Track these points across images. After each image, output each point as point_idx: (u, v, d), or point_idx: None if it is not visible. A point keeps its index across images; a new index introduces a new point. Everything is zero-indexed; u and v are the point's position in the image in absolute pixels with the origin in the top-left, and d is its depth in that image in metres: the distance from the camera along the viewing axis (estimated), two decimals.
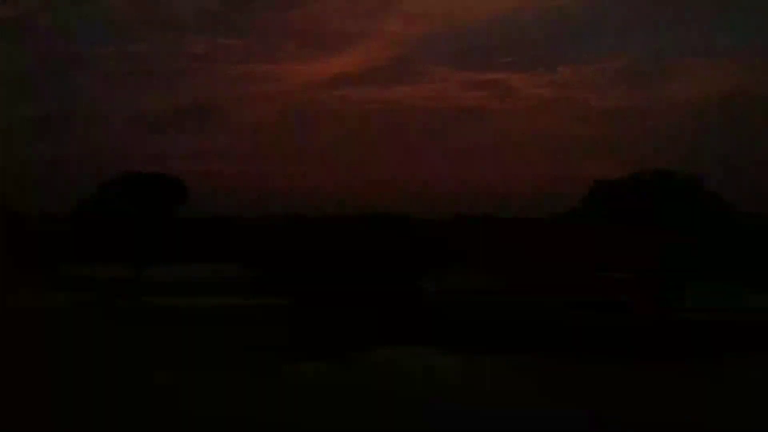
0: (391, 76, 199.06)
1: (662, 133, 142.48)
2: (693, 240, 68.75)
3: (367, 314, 55.87)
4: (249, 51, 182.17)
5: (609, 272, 73.60)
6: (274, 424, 15.52)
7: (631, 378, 27.70)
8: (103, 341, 42.89)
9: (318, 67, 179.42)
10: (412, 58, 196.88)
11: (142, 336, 45.94)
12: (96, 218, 75.94)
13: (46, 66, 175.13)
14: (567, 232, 71.26)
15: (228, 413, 16.24)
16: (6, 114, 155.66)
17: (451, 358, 37.48)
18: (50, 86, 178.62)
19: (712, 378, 27.05)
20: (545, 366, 32.02)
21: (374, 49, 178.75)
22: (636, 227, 67.56)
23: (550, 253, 68.13)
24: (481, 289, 67.12)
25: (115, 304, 64.39)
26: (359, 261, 69.79)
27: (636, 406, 19.83)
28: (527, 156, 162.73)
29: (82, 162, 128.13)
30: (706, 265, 73.82)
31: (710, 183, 72.70)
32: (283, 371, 28.52)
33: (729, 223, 70.68)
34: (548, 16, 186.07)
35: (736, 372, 29.12)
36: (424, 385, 22.98)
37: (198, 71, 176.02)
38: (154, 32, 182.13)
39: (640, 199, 68.91)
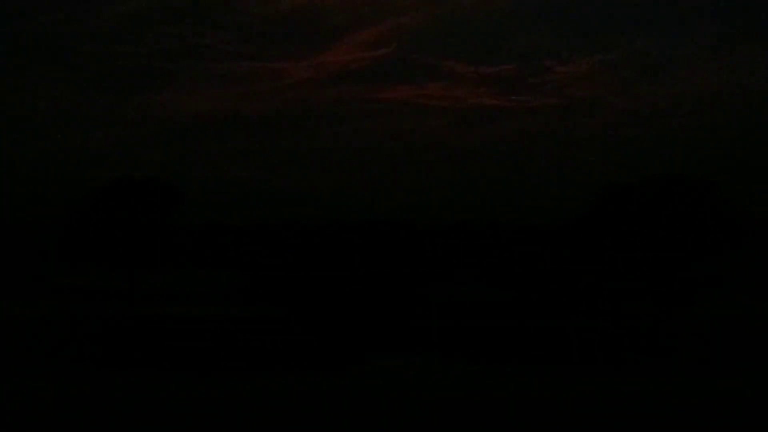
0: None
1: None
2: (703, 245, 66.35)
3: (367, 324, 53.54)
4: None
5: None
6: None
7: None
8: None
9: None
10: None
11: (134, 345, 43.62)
12: (87, 225, 73.13)
13: None
14: None
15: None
16: None
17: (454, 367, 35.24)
18: None
19: None
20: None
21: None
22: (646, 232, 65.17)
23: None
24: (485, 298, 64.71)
25: (107, 314, 61.91)
26: (358, 269, 67.32)
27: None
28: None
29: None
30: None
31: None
32: (282, 383, 26.19)
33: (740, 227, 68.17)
34: None
35: None
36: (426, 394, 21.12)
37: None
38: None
39: (651, 203, 66.28)
